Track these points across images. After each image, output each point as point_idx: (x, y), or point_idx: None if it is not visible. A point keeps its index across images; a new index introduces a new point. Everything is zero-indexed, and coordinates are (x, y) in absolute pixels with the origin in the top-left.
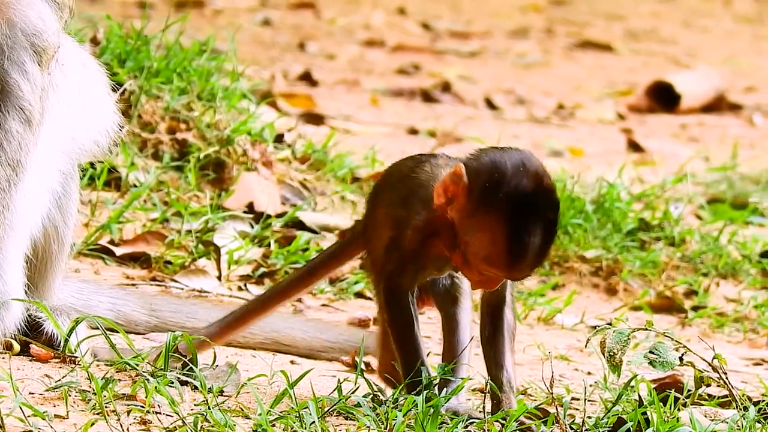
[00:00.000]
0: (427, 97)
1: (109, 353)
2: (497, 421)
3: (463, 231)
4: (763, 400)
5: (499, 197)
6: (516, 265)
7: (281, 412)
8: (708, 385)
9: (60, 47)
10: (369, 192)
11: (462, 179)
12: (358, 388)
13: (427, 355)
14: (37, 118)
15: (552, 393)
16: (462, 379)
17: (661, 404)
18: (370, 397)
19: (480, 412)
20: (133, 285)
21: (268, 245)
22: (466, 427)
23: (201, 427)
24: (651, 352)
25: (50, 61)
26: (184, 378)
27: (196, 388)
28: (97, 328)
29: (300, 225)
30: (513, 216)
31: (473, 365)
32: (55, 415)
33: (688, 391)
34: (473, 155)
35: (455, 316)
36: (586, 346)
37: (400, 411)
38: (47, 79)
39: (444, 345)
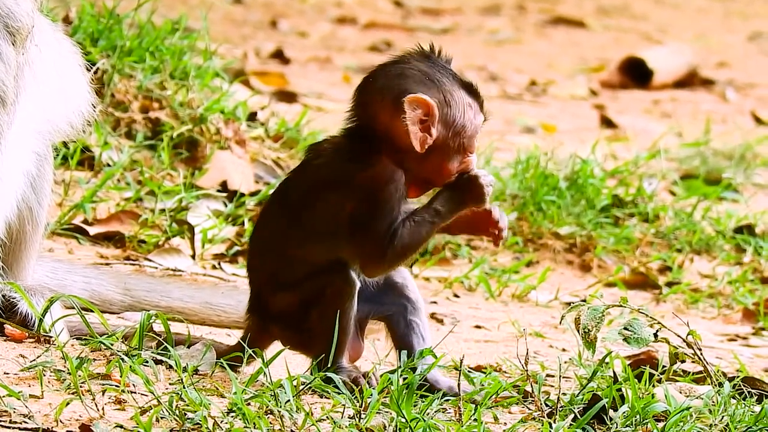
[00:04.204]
0: None
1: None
2: (471, 399)
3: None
4: (738, 376)
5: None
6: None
7: (256, 390)
8: (683, 361)
9: (34, 27)
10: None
11: (428, 105)
12: (332, 366)
13: None
14: (11, 98)
15: (527, 370)
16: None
17: (636, 380)
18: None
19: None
20: (107, 264)
21: (242, 224)
22: (441, 404)
23: (176, 406)
24: (625, 328)
25: (24, 42)
26: (158, 357)
27: (170, 367)
28: (72, 308)
29: None
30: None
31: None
32: (30, 395)
33: (663, 367)
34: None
35: (407, 301)
36: (560, 322)
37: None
38: (22, 60)
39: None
